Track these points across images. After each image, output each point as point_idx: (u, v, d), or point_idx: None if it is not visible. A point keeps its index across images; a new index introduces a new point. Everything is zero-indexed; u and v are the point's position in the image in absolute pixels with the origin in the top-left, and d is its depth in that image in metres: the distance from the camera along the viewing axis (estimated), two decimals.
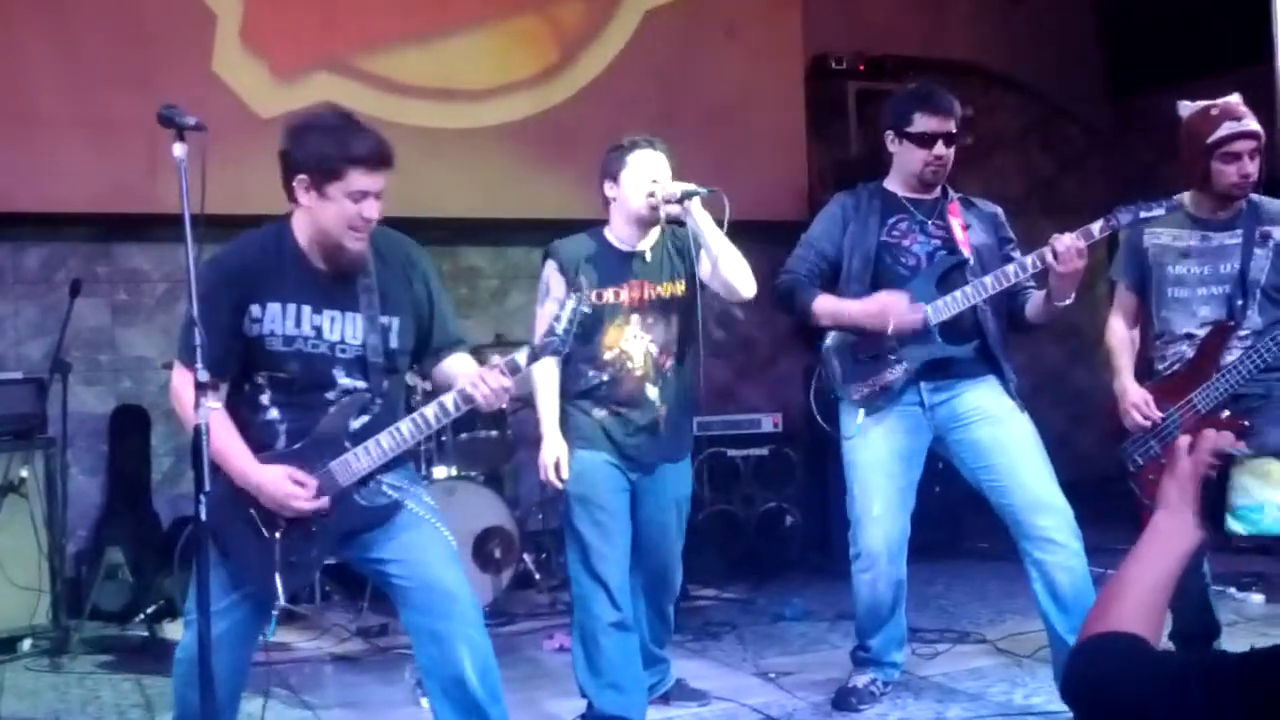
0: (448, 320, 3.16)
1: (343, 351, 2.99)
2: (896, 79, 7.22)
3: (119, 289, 6.24)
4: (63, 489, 5.19)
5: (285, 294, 2.95)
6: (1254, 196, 3.77)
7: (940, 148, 3.82)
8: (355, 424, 2.99)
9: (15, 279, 6.06)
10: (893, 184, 3.96)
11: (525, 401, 6.17)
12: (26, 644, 5.01)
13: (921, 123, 3.82)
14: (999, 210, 4.03)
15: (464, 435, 5.54)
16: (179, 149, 2.69)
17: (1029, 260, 3.66)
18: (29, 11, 5.86)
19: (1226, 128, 3.62)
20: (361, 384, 2.99)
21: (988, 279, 3.69)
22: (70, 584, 5.33)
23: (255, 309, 2.93)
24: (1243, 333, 3.65)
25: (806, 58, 7.32)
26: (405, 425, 2.96)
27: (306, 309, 2.96)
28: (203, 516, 2.62)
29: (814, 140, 7.33)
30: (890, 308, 3.74)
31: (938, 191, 3.94)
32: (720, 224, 3.55)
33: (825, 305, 3.88)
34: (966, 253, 3.82)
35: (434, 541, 3.03)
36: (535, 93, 6.79)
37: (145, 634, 4.91)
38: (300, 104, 6.23)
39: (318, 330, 2.97)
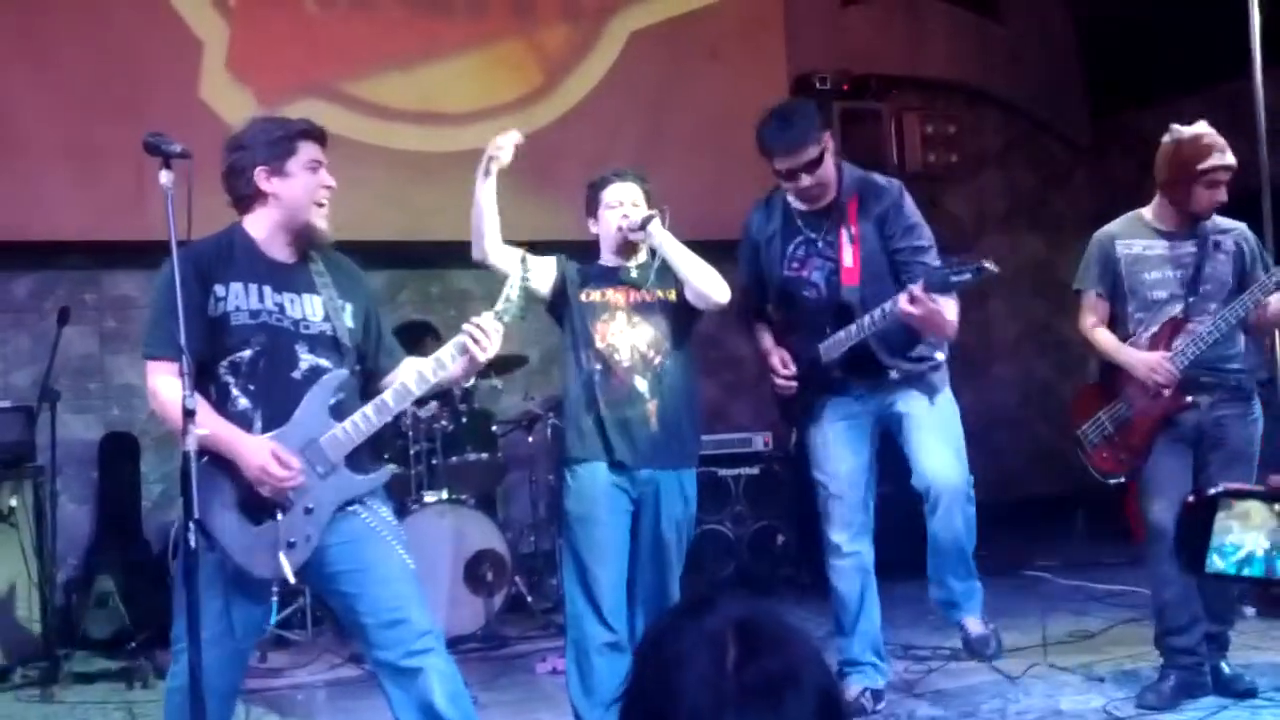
0: (387, 334, 3.30)
1: (305, 328, 3.04)
2: (880, 98, 7.29)
3: (107, 316, 6.24)
4: (52, 517, 5.18)
5: (244, 276, 3.02)
6: None
7: (803, 179, 3.93)
8: (332, 401, 3.03)
9: (4, 308, 6.06)
10: (790, 195, 4.08)
11: (515, 423, 6.23)
12: (17, 674, 4.98)
13: (777, 163, 3.94)
14: (894, 195, 4.01)
15: (454, 459, 5.54)
16: (165, 176, 2.71)
17: (878, 311, 3.81)
18: (14, 39, 5.87)
19: (1215, 158, 3.93)
20: (325, 362, 3.03)
21: (865, 319, 3.87)
22: (61, 613, 5.31)
23: (219, 288, 2.99)
24: (1191, 326, 3.92)
25: (790, 78, 7.35)
26: (389, 394, 3.05)
27: (267, 288, 3.03)
28: (192, 544, 2.62)
29: None
30: (774, 367, 4.10)
31: (829, 198, 4.01)
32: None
33: (759, 342, 4.25)
34: (850, 281, 3.95)
35: (392, 570, 3.03)
36: (520, 116, 6.79)
37: (136, 662, 4.89)
38: None
39: (280, 307, 3.03)
